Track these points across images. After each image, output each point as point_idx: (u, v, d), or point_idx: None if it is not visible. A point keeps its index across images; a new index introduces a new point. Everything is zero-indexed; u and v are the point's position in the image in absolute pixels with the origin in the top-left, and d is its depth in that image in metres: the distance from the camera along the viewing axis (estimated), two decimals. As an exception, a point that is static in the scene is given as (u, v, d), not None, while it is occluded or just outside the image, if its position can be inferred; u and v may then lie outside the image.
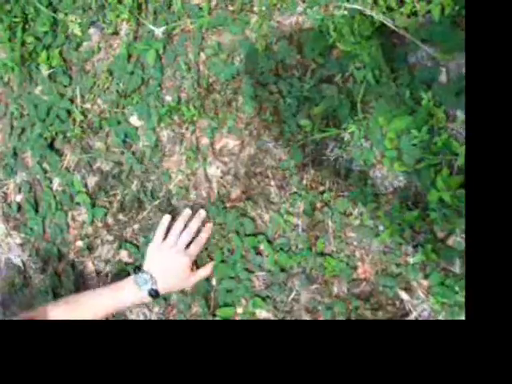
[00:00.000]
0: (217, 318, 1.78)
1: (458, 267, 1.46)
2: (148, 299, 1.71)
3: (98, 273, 2.01)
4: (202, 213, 1.79)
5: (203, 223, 1.80)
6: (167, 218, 1.83)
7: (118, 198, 1.97)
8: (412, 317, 1.52)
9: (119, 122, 1.96)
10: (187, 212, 1.81)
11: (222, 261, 1.78)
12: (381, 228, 1.55)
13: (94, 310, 1.69)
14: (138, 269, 1.79)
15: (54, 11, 2.06)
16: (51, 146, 2.09)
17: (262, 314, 1.72)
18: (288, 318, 1.69)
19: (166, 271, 1.73)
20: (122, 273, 1.94)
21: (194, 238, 1.78)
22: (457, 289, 1.45)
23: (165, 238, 1.79)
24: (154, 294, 1.69)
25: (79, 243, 2.05)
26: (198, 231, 1.78)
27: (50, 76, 2.09)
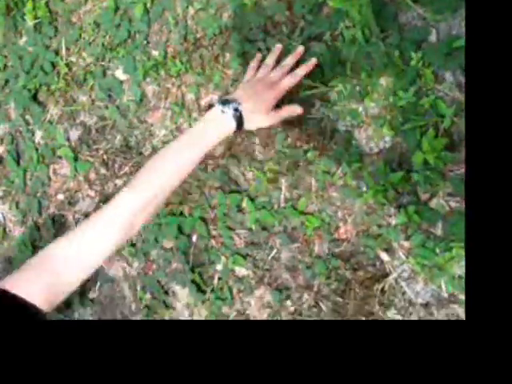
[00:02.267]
0: (195, 275, 1.78)
1: (439, 229, 1.46)
2: (234, 125, 1.55)
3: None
4: (300, 48, 1.63)
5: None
6: (259, 55, 1.69)
7: (101, 152, 1.95)
8: (391, 277, 1.52)
9: (104, 76, 1.95)
10: (278, 47, 1.66)
11: (203, 217, 1.77)
12: (364, 188, 1.55)
13: (185, 165, 1.55)
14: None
15: (42, -39, 2.04)
16: (34, 98, 2.08)
17: (242, 271, 1.73)
18: (267, 276, 1.69)
19: (250, 99, 1.57)
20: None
21: None
22: (437, 251, 1.45)
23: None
24: (238, 118, 1.55)
25: (60, 197, 2.04)
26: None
27: (35, 27, 2.07)
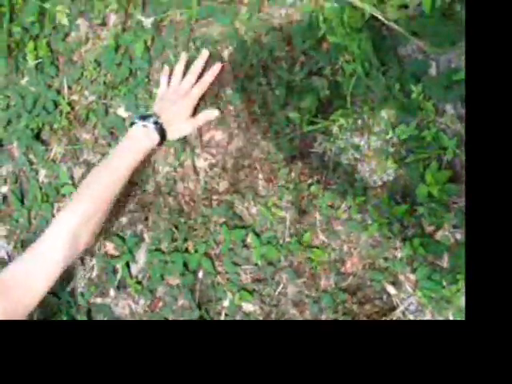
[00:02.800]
0: (202, 312, 1.78)
1: (445, 262, 1.46)
2: (157, 137, 1.73)
3: (84, 265, 2.00)
4: (205, 52, 1.76)
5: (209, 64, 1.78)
6: (166, 68, 1.83)
7: (105, 190, 1.95)
8: (399, 311, 1.52)
9: (106, 114, 1.95)
10: (184, 55, 1.80)
11: (208, 254, 1.77)
12: (369, 222, 1.55)
13: (117, 175, 1.70)
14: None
15: (42, 1, 2.04)
16: (37, 137, 2.08)
17: (249, 307, 1.72)
18: (275, 312, 1.68)
19: (167, 111, 1.74)
20: (107, 265, 1.93)
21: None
22: (444, 283, 1.45)
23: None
24: (160, 129, 1.72)
25: (65, 235, 2.04)
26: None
27: (36, 67, 2.08)
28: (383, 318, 1.54)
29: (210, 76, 1.74)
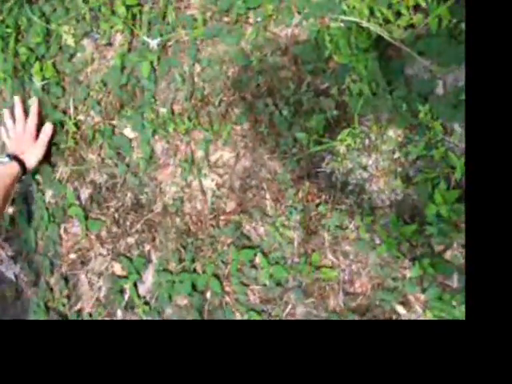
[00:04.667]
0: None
1: (455, 281, 1.45)
2: (15, 165, 1.98)
3: (91, 285, 2.00)
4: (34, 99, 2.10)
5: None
6: (7, 111, 2.13)
7: (112, 210, 1.95)
8: (409, 331, 1.51)
9: (113, 134, 1.95)
10: (17, 99, 2.11)
11: (216, 274, 1.76)
12: (377, 241, 1.54)
13: None
14: None
15: (47, 22, 2.05)
16: (44, 157, 2.08)
17: (257, 328, 1.71)
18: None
19: (17, 143, 2.06)
20: (115, 286, 1.93)
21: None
22: (454, 303, 1.44)
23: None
24: (15, 159, 1.99)
25: (72, 256, 2.04)
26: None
27: (43, 87, 2.08)
28: (393, 339, 1.53)
29: (34, 108, 2.08)
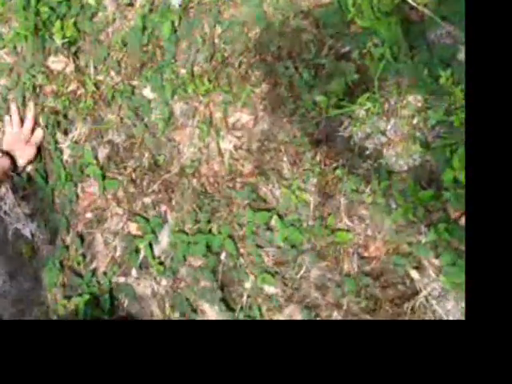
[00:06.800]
0: (224, 293, 1.78)
1: (470, 247, 1.45)
2: (6, 160, 2.13)
3: (107, 245, 2.01)
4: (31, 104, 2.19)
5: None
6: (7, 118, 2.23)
7: (129, 170, 1.96)
8: (422, 295, 1.51)
9: (132, 94, 1.95)
10: (13, 106, 2.21)
11: (231, 235, 1.77)
12: (393, 206, 1.54)
13: None
14: None
15: (70, -19, 2.05)
16: (65, 116, 2.09)
17: (271, 289, 1.72)
18: (296, 295, 1.68)
19: (12, 144, 2.18)
20: (130, 245, 1.94)
21: None
22: (468, 269, 1.44)
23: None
24: (7, 155, 2.13)
25: (88, 215, 2.05)
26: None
27: (63, 46, 2.08)
28: (406, 303, 1.54)
29: (30, 113, 2.18)
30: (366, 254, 1.60)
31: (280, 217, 1.69)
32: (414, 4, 1.46)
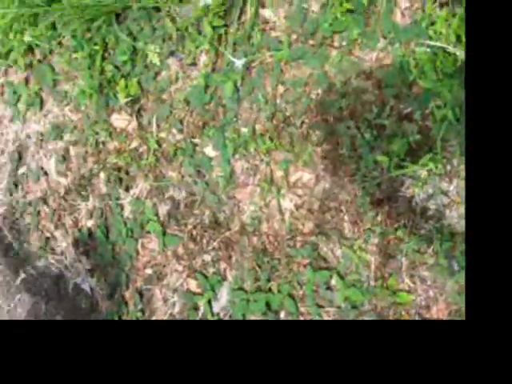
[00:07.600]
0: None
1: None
2: None
3: (166, 301, 2.02)
4: None
5: None
6: None
7: (189, 227, 1.97)
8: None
9: (194, 152, 1.97)
10: None
11: (291, 294, 1.77)
12: (456, 268, 1.53)
13: None
14: None
15: (134, 40, 2.09)
16: (127, 173, 2.11)
17: (331, 350, 1.71)
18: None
19: None
20: (189, 302, 1.95)
21: None
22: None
23: None
24: None
25: (148, 271, 2.07)
26: None
27: (127, 104, 2.12)
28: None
29: None
30: (427, 316, 1.58)
31: (340, 276, 1.68)
32: (477, 66, 1.46)
